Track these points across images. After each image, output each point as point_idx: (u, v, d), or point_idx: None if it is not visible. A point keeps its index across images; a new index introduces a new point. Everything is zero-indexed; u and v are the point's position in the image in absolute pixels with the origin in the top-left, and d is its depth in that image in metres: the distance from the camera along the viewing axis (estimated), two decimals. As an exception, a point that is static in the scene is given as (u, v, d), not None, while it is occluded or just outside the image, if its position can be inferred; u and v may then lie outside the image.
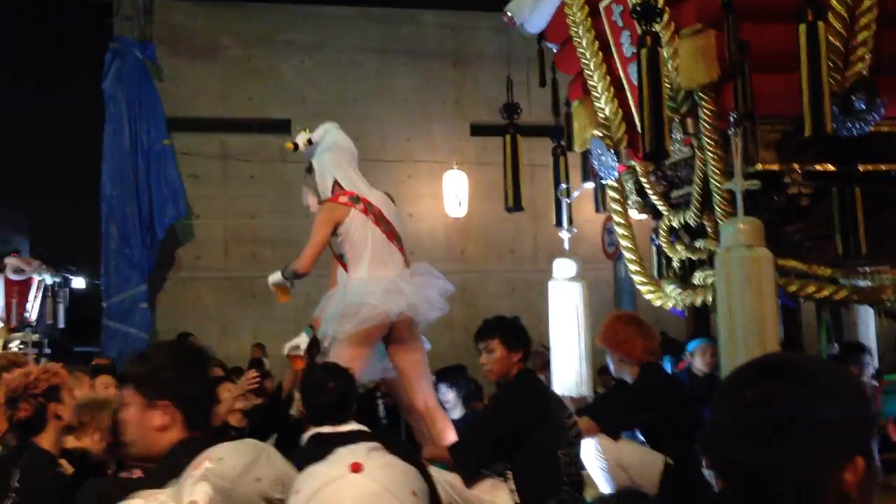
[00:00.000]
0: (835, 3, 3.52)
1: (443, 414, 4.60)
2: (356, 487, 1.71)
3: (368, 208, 4.52)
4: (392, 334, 4.48)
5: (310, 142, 4.72)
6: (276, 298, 4.83)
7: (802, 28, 3.24)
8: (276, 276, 4.67)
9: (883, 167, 3.79)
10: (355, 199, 4.52)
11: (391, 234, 4.56)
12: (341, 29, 10.15)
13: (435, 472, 3.68)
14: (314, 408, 3.20)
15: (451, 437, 4.36)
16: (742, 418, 1.18)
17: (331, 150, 4.67)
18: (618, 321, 4.30)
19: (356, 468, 1.73)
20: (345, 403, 3.20)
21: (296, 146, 4.81)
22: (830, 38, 3.44)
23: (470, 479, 3.67)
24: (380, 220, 4.54)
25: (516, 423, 3.63)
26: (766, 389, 1.18)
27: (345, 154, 4.69)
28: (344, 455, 1.78)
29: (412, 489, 1.79)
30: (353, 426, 3.19)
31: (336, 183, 4.60)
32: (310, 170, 4.78)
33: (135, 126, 9.26)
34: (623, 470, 4.09)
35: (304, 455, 2.68)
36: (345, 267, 4.63)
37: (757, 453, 1.16)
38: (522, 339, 3.82)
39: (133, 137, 9.24)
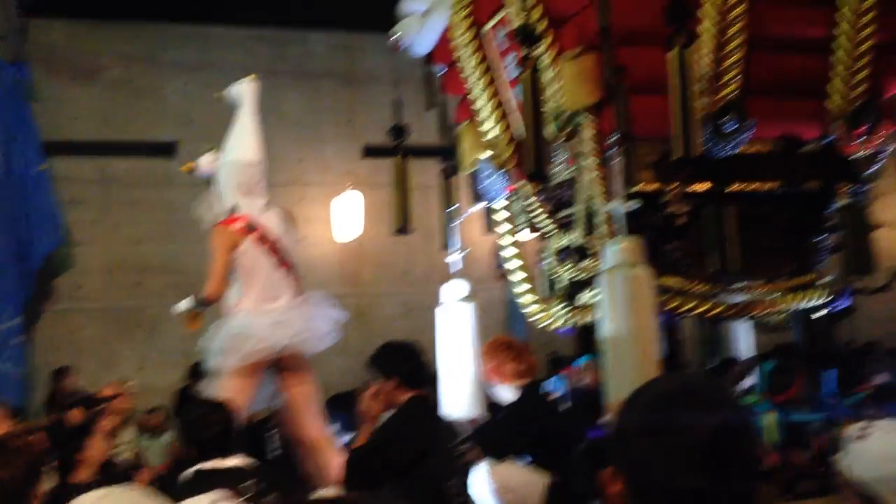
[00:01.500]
0: (706, 26, 3.65)
1: (331, 443, 4.52)
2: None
3: (264, 238, 4.42)
4: (280, 363, 4.39)
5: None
6: (185, 325, 4.67)
7: (673, 53, 3.33)
8: (187, 302, 4.54)
9: (753, 186, 3.94)
10: (251, 227, 4.41)
11: (286, 262, 4.47)
12: (228, 49, 9.95)
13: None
14: (197, 444, 3.11)
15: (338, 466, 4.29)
16: (685, 444, 1.16)
17: (234, 164, 4.54)
18: (489, 346, 4.31)
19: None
20: (227, 436, 3.12)
21: (192, 170, 4.72)
22: (701, 61, 3.57)
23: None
24: (275, 249, 4.44)
25: (397, 457, 3.58)
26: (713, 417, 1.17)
27: (249, 172, 4.57)
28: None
29: None
30: (237, 460, 3.10)
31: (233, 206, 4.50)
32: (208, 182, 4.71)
33: (8, 151, 8.79)
34: (509, 492, 4.10)
35: (185, 492, 2.57)
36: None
37: (696, 477, 1.15)
38: (393, 366, 3.77)
39: (6, 162, 8.77)
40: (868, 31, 3.85)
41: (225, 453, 3.08)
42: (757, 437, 1.16)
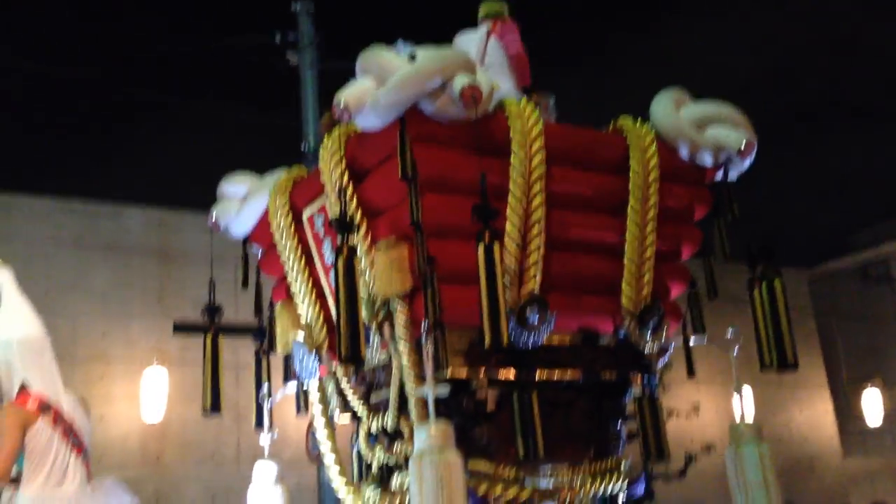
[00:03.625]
0: (509, 227, 3.95)
1: None
2: None
3: (59, 419, 4.23)
4: (64, 557, 4.04)
5: None
6: None
7: (481, 248, 3.57)
8: None
9: (555, 375, 4.17)
10: (45, 408, 4.22)
11: (79, 447, 4.29)
12: (33, 219, 9.59)
13: None
14: None
15: None
16: None
17: (20, 343, 4.31)
18: None
19: None
20: None
21: None
22: (506, 258, 3.84)
23: None
24: (68, 432, 4.25)
25: None
26: None
27: (35, 347, 4.34)
28: None
29: None
30: None
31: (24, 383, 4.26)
32: None
33: None
34: None
35: None
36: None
37: None
38: None
39: None
40: (650, 239, 4.30)
41: None
42: None
